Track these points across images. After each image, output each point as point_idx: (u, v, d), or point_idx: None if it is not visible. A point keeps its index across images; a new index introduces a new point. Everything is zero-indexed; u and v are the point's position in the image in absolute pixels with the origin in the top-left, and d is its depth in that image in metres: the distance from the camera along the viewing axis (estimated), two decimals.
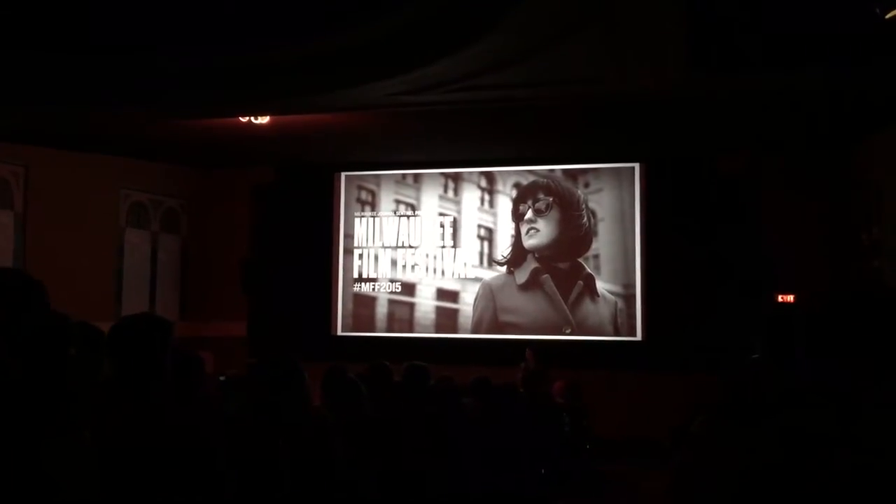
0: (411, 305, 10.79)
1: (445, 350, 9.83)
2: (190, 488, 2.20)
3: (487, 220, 10.69)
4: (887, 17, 5.08)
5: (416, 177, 10.93)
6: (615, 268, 10.22)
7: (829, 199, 9.46)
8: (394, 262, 10.90)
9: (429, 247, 10.80)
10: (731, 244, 9.51)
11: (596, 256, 10.28)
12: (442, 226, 10.80)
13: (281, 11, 6.30)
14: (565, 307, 10.25)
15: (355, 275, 10.99)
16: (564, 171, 10.51)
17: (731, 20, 5.82)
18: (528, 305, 10.39)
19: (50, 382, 1.75)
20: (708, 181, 9.84)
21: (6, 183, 9.44)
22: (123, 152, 10.23)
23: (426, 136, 9.60)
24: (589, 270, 10.25)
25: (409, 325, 10.77)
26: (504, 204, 10.64)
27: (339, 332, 10.95)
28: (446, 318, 10.66)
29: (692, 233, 9.70)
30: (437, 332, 10.64)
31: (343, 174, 11.12)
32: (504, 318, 10.46)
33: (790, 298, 9.01)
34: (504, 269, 10.55)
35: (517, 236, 10.54)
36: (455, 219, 10.77)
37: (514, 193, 10.63)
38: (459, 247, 10.71)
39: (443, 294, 10.71)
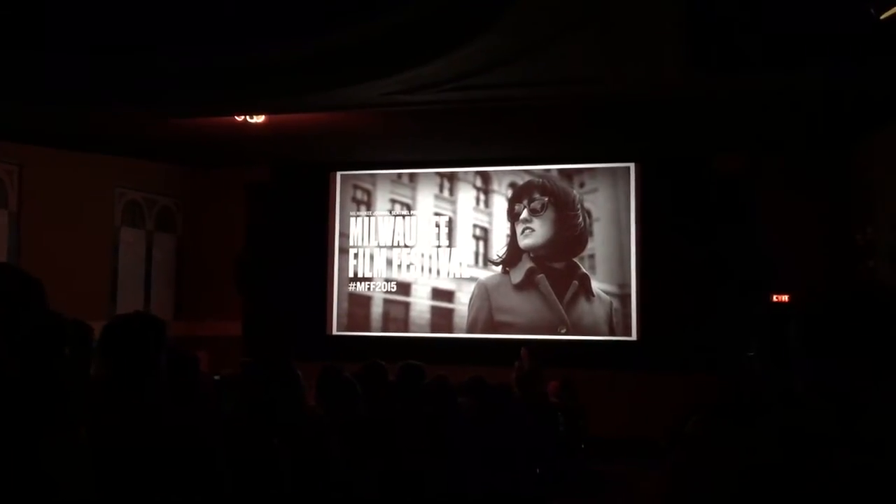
0: (406, 305, 10.79)
1: (441, 350, 9.83)
2: (188, 488, 2.20)
3: (483, 220, 10.69)
4: (882, 17, 5.09)
5: (412, 176, 10.93)
6: (610, 268, 10.23)
7: (825, 199, 9.48)
8: (389, 262, 10.89)
9: (424, 246, 10.80)
10: (726, 244, 9.52)
11: (591, 256, 10.29)
12: (437, 225, 10.79)
13: (277, 11, 6.29)
14: (560, 307, 10.26)
15: (350, 274, 10.99)
16: (560, 170, 10.52)
17: (729, 20, 5.83)
18: (524, 305, 10.40)
19: (47, 381, 1.75)
20: (703, 181, 9.86)
21: (0, 182, 9.42)
22: (118, 151, 10.21)
23: (422, 136, 9.60)
24: (584, 270, 10.26)
25: (405, 324, 10.77)
26: (499, 204, 10.64)
27: (335, 332, 10.95)
28: (441, 317, 10.66)
29: (687, 233, 9.71)
30: (432, 331, 10.65)
31: (339, 173, 11.11)
32: (499, 317, 10.47)
33: (785, 298, 9.04)
34: (499, 268, 10.55)
35: (512, 236, 10.54)
36: (450, 218, 10.77)
37: (509, 193, 10.63)
38: (455, 246, 10.71)
39: (438, 294, 10.71)
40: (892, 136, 8.29)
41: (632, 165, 10.26)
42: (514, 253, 10.51)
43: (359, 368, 4.66)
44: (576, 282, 10.26)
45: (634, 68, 6.54)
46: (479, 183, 10.75)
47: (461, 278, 10.64)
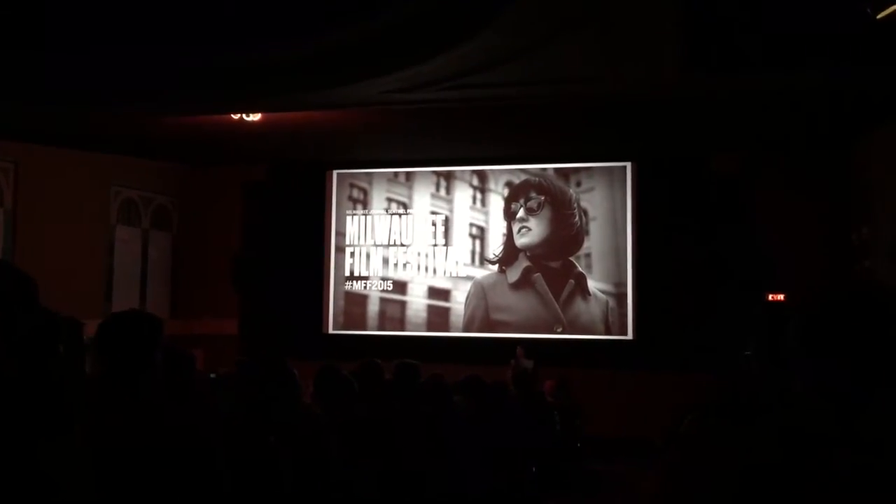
0: (403, 304, 10.79)
1: (437, 348, 9.84)
2: (185, 487, 2.19)
3: (479, 219, 10.69)
4: (879, 17, 5.09)
5: (409, 175, 10.92)
6: (607, 267, 10.23)
7: (822, 198, 9.50)
8: (385, 261, 10.89)
9: (421, 245, 10.80)
10: (723, 243, 9.54)
11: (587, 255, 10.30)
12: (434, 224, 10.79)
13: (275, 10, 6.28)
14: (557, 306, 10.26)
15: (347, 273, 10.98)
16: (556, 169, 10.52)
17: (727, 20, 5.83)
18: (520, 304, 10.40)
19: (42, 379, 1.74)
20: (699, 181, 9.87)
21: None
22: (114, 149, 10.19)
23: (419, 135, 9.60)
24: (580, 269, 10.27)
25: (401, 323, 10.77)
26: (496, 202, 10.64)
27: (331, 330, 10.94)
28: (438, 316, 10.66)
29: (684, 232, 9.72)
30: (428, 330, 10.64)
31: (335, 172, 11.10)
32: (495, 316, 10.47)
33: (781, 297, 9.05)
34: (496, 267, 10.55)
35: (509, 235, 10.54)
36: (447, 217, 10.76)
37: (506, 192, 10.63)
38: (451, 245, 10.71)
39: (434, 292, 10.70)
40: (889, 135, 8.30)
41: (629, 165, 10.26)
42: (510, 252, 10.51)
43: (355, 367, 4.66)
44: (572, 281, 10.27)
45: (632, 68, 6.54)
46: (475, 182, 10.74)
47: (457, 277, 10.64)
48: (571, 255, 10.33)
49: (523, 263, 10.44)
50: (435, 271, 10.72)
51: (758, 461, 1.30)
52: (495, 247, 10.59)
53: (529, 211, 10.52)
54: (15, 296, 1.71)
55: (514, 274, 10.46)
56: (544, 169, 10.55)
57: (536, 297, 10.35)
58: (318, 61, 6.67)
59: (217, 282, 10.86)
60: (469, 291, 10.58)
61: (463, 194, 10.76)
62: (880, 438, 1.26)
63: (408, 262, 10.82)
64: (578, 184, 10.45)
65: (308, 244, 11.01)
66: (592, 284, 10.22)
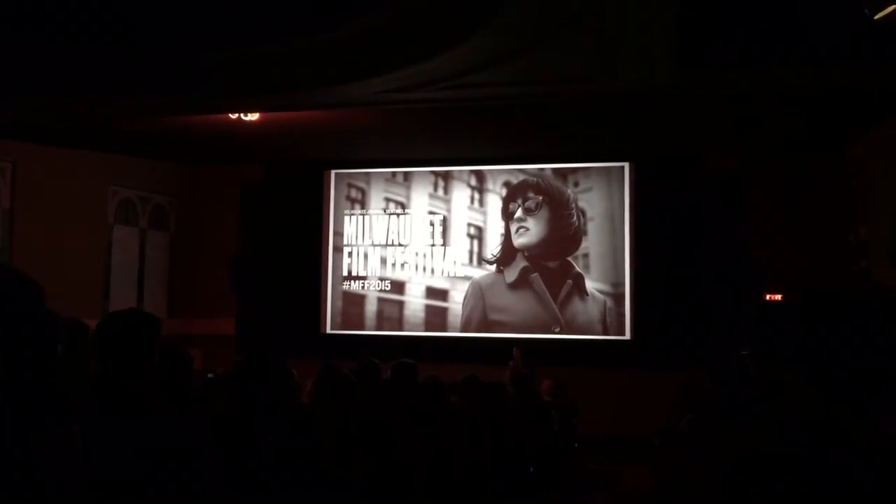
0: (401, 304, 10.79)
1: (434, 348, 9.84)
2: (176, 484, 2.20)
3: (477, 219, 10.69)
4: (876, 17, 5.10)
5: (406, 175, 10.92)
6: (604, 267, 10.24)
7: (819, 198, 9.51)
8: (383, 261, 10.89)
9: (418, 245, 10.80)
10: (720, 244, 9.55)
11: (585, 255, 10.31)
12: (432, 224, 10.79)
13: (272, 9, 6.28)
14: (554, 306, 10.27)
15: (345, 273, 10.98)
16: (554, 170, 10.53)
17: (723, 19, 5.83)
18: (518, 304, 10.40)
19: (40, 380, 1.74)
20: (697, 181, 9.87)
21: None
22: (112, 149, 10.18)
23: (416, 135, 9.59)
24: (578, 269, 10.27)
25: (399, 323, 10.77)
26: (494, 202, 10.65)
27: (329, 330, 10.93)
28: (435, 316, 10.66)
29: (681, 232, 9.73)
30: (426, 330, 10.64)
31: (333, 172, 11.10)
32: (493, 316, 10.47)
33: (778, 297, 9.06)
34: (493, 267, 10.56)
35: (507, 235, 10.55)
36: (445, 217, 10.76)
37: (503, 192, 10.64)
38: (449, 245, 10.71)
39: (432, 292, 10.71)
40: (886, 135, 8.31)
41: (626, 165, 10.27)
42: (508, 252, 10.51)
43: (353, 367, 4.67)
44: (570, 281, 10.27)
45: (629, 67, 6.54)
46: (473, 182, 10.75)
47: (455, 277, 10.65)
48: (569, 256, 10.34)
49: (521, 263, 10.45)
50: (433, 271, 10.73)
51: (754, 461, 1.30)
52: (493, 247, 10.60)
53: (527, 211, 10.52)
54: (15, 301, 1.71)
55: (511, 274, 10.46)
56: (542, 169, 10.56)
57: (534, 297, 10.36)
58: (313, 60, 6.67)
59: (215, 281, 10.85)
60: (467, 291, 10.58)
61: (461, 194, 10.76)
62: (878, 438, 1.27)
63: (406, 262, 10.82)
64: (576, 184, 10.46)
65: (306, 244, 11.01)
66: (590, 284, 10.23)
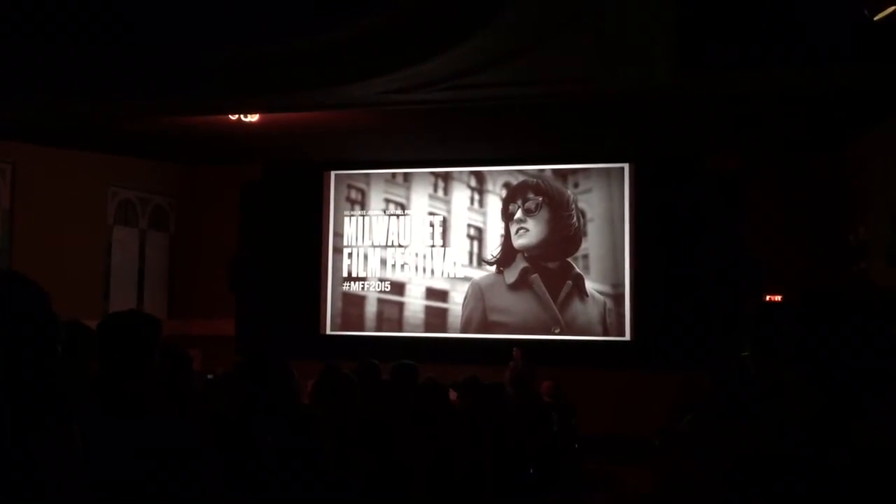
0: (400, 305, 10.79)
1: (434, 349, 9.83)
2: (176, 485, 2.20)
3: (477, 220, 10.69)
4: (876, 18, 5.10)
5: (406, 176, 10.92)
6: (604, 268, 10.24)
7: (818, 199, 9.52)
8: (383, 262, 10.89)
9: (418, 246, 10.80)
10: (720, 244, 9.54)
11: (585, 256, 10.31)
12: (431, 225, 10.79)
13: (272, 8, 6.28)
14: (554, 307, 10.27)
15: (344, 274, 10.98)
16: (554, 170, 10.53)
17: (722, 20, 5.84)
18: (518, 305, 10.40)
19: (40, 380, 1.74)
20: (697, 181, 9.87)
21: None
22: (112, 149, 10.18)
23: (416, 135, 9.59)
24: (578, 270, 10.27)
25: (399, 324, 10.77)
26: (494, 203, 10.65)
27: (328, 332, 10.93)
28: (435, 317, 10.66)
29: (681, 233, 9.72)
30: (426, 331, 10.64)
31: (333, 173, 11.10)
32: (493, 317, 10.47)
33: (778, 298, 9.06)
34: (493, 268, 10.56)
35: (506, 236, 10.55)
36: (445, 218, 10.76)
37: (503, 193, 10.64)
38: (449, 246, 10.71)
39: (432, 293, 10.71)
40: (886, 135, 8.31)
41: (626, 166, 10.27)
42: (508, 253, 10.51)
43: (353, 368, 4.66)
44: (570, 282, 10.27)
45: (629, 67, 6.55)
46: (473, 183, 10.75)
47: (455, 278, 10.65)
48: (569, 256, 10.34)
49: (521, 264, 10.45)
50: (433, 272, 10.73)
51: (754, 460, 1.30)
52: (493, 248, 10.60)
53: (527, 212, 10.52)
54: (20, 306, 1.71)
55: (511, 275, 10.47)
56: (542, 170, 10.56)
57: (534, 298, 10.36)
58: (312, 61, 6.67)
59: (214, 282, 10.85)
60: (467, 292, 10.58)
61: (461, 195, 10.76)
62: (877, 438, 1.27)
63: (405, 263, 10.82)
64: (576, 185, 10.46)
65: (305, 245, 11.01)
66: (590, 285, 10.23)
